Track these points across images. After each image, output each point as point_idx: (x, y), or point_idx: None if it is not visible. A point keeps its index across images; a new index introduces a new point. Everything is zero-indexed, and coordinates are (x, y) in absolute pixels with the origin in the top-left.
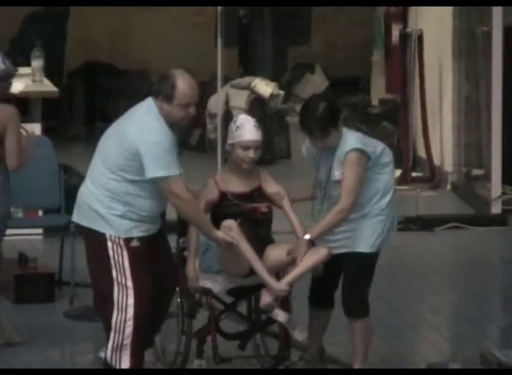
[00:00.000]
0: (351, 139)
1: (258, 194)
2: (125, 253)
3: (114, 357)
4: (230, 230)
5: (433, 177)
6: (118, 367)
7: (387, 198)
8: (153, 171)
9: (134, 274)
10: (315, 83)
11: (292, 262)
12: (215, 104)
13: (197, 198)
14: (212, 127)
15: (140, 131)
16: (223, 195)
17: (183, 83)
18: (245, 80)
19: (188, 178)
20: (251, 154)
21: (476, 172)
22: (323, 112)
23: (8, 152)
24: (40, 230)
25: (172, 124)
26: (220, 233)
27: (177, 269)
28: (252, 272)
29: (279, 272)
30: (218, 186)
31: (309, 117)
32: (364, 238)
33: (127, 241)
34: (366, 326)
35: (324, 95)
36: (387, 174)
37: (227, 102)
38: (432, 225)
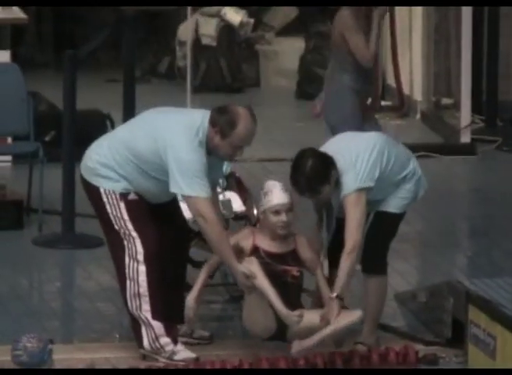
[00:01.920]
0: (349, 179)
1: (292, 257)
2: (122, 205)
3: (133, 305)
4: (250, 263)
5: (402, 106)
6: (139, 314)
7: (412, 182)
8: (179, 188)
9: (136, 224)
10: (285, 11)
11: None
12: (185, 31)
13: (230, 237)
14: (182, 55)
15: (176, 145)
16: (256, 249)
17: (244, 127)
18: (215, 7)
19: (158, 105)
20: (283, 218)
21: (445, 101)
22: (311, 172)
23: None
24: (8, 157)
25: (213, 153)
26: (240, 266)
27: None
28: (279, 332)
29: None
30: (254, 237)
31: (297, 178)
32: (392, 200)
33: (123, 195)
34: (381, 284)
35: (313, 149)
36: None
37: (196, 30)
38: None
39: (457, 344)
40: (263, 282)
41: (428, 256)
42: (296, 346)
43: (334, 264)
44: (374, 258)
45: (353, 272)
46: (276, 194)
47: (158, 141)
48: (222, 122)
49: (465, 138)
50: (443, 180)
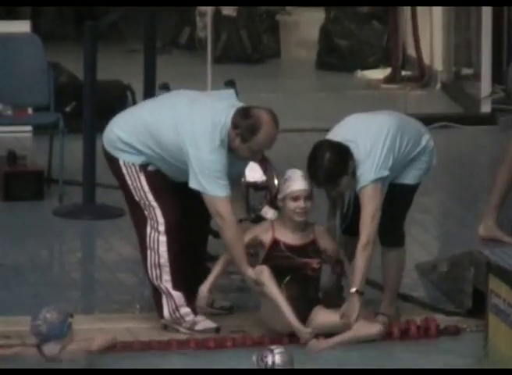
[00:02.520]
0: (364, 171)
1: (312, 248)
2: (142, 176)
3: (154, 274)
4: (261, 272)
5: (423, 76)
6: (159, 284)
7: (426, 154)
8: (199, 185)
9: (156, 195)
10: None
11: (347, 328)
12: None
13: (247, 230)
14: (202, 25)
15: (198, 143)
16: (276, 243)
17: (265, 134)
18: None
19: (178, 75)
20: (301, 204)
21: (466, 71)
22: (329, 164)
23: None
24: (29, 128)
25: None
26: (250, 271)
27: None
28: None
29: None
30: (274, 230)
31: (315, 170)
32: (407, 173)
33: (143, 166)
34: (400, 256)
35: (329, 141)
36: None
37: None
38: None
39: (478, 314)
40: (273, 291)
41: (449, 226)
42: (313, 347)
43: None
44: (392, 231)
45: (370, 265)
46: (296, 180)
47: (181, 134)
48: (243, 126)
49: (486, 108)
50: (464, 150)
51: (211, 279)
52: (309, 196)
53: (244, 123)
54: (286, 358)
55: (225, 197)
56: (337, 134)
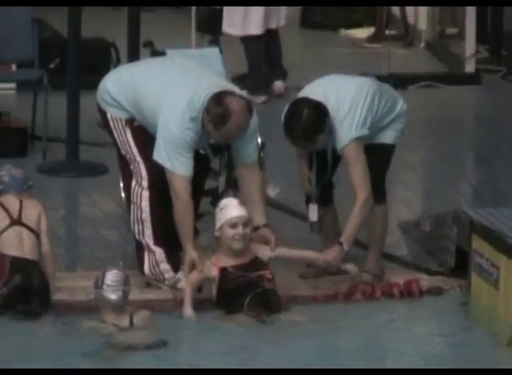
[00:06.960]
0: (345, 130)
1: (258, 262)
2: (128, 131)
3: (136, 229)
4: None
5: (407, 35)
6: (140, 238)
7: (402, 116)
8: (162, 159)
9: (141, 150)
10: None
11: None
12: None
13: (196, 270)
14: None
15: (169, 116)
16: (224, 270)
17: (234, 124)
18: None
19: (163, 33)
20: (240, 230)
21: (450, 30)
22: (307, 121)
23: None
24: (13, 85)
25: None
26: (193, 255)
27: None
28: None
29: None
30: (217, 263)
31: (293, 127)
32: (386, 133)
33: (129, 121)
34: (383, 213)
35: (307, 99)
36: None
37: None
38: (405, 83)
39: (461, 273)
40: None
41: (433, 185)
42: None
43: (325, 203)
44: (374, 188)
45: (364, 223)
46: (232, 208)
47: (157, 101)
48: (214, 114)
49: (470, 68)
50: (448, 110)
51: (188, 305)
52: (247, 222)
53: (215, 111)
54: (117, 278)
55: (183, 175)
56: (317, 90)
